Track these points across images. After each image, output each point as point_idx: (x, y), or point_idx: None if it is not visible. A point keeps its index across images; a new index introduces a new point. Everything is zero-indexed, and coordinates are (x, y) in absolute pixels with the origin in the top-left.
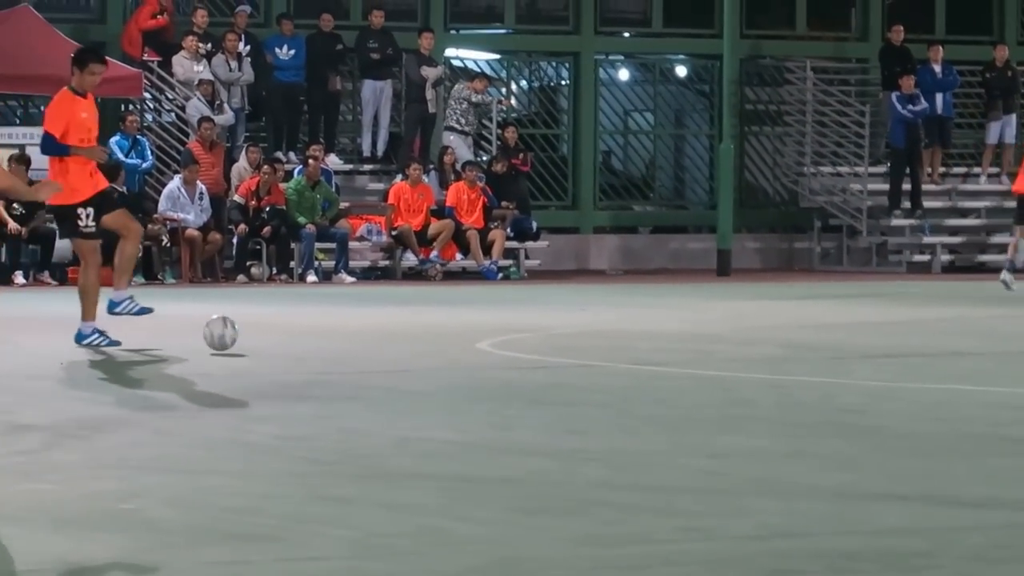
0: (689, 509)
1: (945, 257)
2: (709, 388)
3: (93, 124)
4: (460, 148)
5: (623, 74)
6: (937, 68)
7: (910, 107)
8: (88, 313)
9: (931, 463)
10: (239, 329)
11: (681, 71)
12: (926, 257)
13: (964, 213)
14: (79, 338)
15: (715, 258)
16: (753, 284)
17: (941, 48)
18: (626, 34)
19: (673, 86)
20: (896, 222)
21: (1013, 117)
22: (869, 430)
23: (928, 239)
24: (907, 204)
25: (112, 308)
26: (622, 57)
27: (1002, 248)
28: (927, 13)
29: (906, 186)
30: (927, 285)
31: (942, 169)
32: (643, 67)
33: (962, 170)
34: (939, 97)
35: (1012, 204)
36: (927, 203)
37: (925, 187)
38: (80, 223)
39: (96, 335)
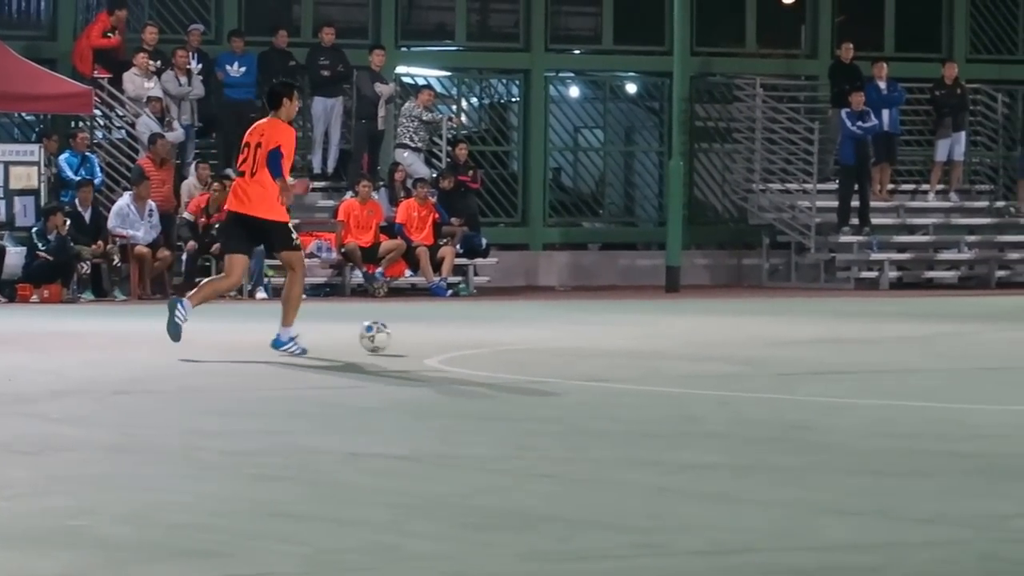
0: (639, 525)
1: (893, 273)
2: (659, 404)
3: None
4: (416, 165)
5: (573, 91)
6: (882, 85)
7: (860, 124)
8: (289, 320)
9: (880, 479)
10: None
11: (631, 88)
12: (874, 273)
13: (912, 230)
14: (277, 344)
15: (664, 275)
16: (702, 300)
17: (886, 65)
18: (576, 51)
19: (623, 103)
20: (844, 239)
21: (962, 135)
22: (818, 446)
23: (876, 256)
24: (855, 221)
25: (277, 346)
26: (572, 74)
27: (950, 264)
28: (876, 31)
29: (855, 203)
30: (876, 302)
31: (891, 186)
32: (593, 84)
33: (911, 187)
34: (885, 114)
35: (961, 221)
36: (875, 220)
37: (874, 204)
38: (293, 237)
39: (292, 343)
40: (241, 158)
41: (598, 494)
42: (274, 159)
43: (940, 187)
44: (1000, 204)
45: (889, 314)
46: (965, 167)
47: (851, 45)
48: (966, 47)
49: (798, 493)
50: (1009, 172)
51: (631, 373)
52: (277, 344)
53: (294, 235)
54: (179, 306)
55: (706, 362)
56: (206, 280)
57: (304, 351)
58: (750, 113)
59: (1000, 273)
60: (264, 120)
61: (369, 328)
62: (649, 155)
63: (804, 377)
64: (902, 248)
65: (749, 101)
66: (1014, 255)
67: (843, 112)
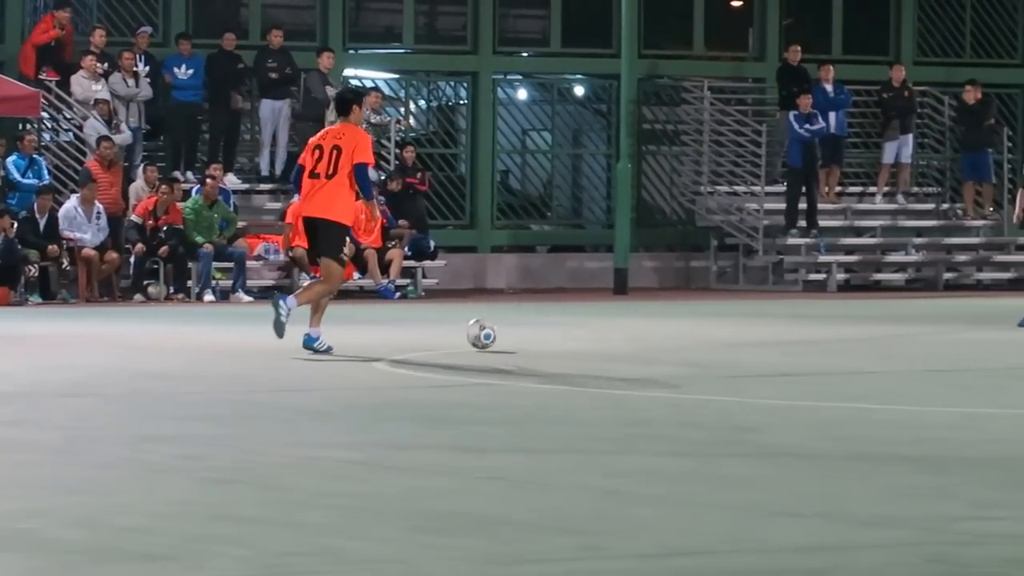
0: (588, 527)
1: (841, 276)
2: (607, 407)
3: None
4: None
5: (521, 94)
6: (829, 87)
7: (807, 126)
8: (317, 321)
9: (829, 481)
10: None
11: (579, 91)
12: (822, 276)
13: (860, 232)
14: (309, 342)
15: (612, 277)
16: (650, 303)
17: (833, 68)
18: (524, 54)
19: (571, 105)
20: (792, 241)
21: (910, 137)
22: (767, 448)
23: (824, 258)
24: (803, 223)
25: (309, 344)
26: (520, 77)
27: (898, 267)
28: (824, 33)
29: (802, 205)
30: (824, 304)
31: (838, 188)
32: (541, 87)
33: (858, 189)
34: (833, 116)
35: (908, 223)
36: (823, 222)
37: (821, 206)
38: (343, 248)
39: (321, 339)
40: (313, 160)
41: (546, 496)
42: (363, 176)
43: (887, 189)
44: (947, 206)
45: (837, 316)
46: (912, 169)
47: (799, 48)
48: (913, 50)
49: (747, 496)
50: (956, 175)
51: (579, 375)
52: (309, 342)
53: (344, 248)
54: (282, 303)
55: (654, 364)
56: (311, 282)
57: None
58: (698, 115)
59: (947, 275)
60: (336, 125)
61: (488, 336)
62: (597, 157)
63: (753, 379)
64: (850, 250)
65: (697, 103)
66: (961, 257)
67: (791, 115)
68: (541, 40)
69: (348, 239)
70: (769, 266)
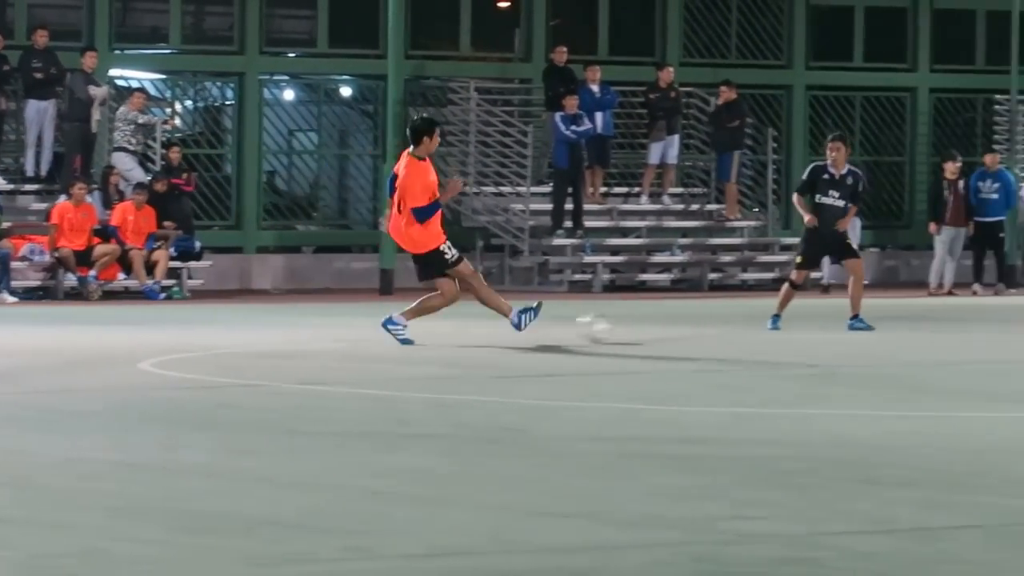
0: (354, 528)
1: (606, 276)
2: (373, 407)
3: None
4: (136, 169)
5: (288, 94)
6: (596, 88)
7: (574, 127)
8: (410, 316)
9: (594, 481)
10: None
11: (346, 91)
12: (587, 276)
13: (625, 233)
14: (388, 323)
15: (378, 277)
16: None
17: (599, 68)
18: (291, 54)
19: (338, 106)
20: (558, 241)
21: (676, 138)
22: (533, 449)
23: (589, 258)
24: (569, 224)
25: (387, 325)
26: (287, 77)
27: (663, 267)
28: (590, 34)
29: (568, 206)
30: (590, 304)
31: (603, 189)
32: (308, 87)
33: (624, 190)
34: (599, 117)
35: (673, 224)
36: (589, 223)
37: (587, 207)
38: (447, 257)
39: (399, 327)
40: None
41: (312, 497)
42: (419, 212)
43: (654, 190)
44: (712, 207)
45: (603, 317)
46: (678, 170)
47: (565, 48)
48: (680, 51)
49: (513, 496)
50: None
51: (345, 376)
52: (388, 323)
53: (448, 256)
54: (390, 326)
55: (420, 365)
56: (429, 297)
57: (408, 341)
58: (464, 116)
59: (712, 276)
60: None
61: (602, 330)
62: (363, 158)
63: (519, 379)
64: (615, 251)
65: (463, 104)
66: (726, 258)
67: (557, 116)
68: (308, 40)
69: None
70: (535, 267)
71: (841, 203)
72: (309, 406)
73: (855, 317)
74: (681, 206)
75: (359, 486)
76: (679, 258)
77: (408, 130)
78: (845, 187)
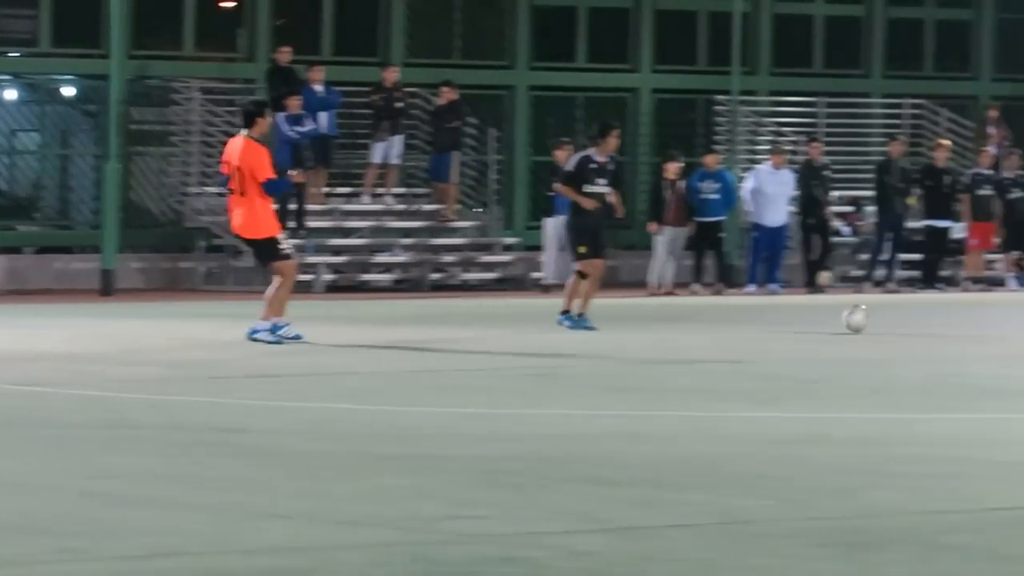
0: (69, 530)
1: (328, 276)
2: (89, 408)
3: None
4: None
5: (10, 94)
6: (320, 88)
7: (297, 128)
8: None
9: (312, 482)
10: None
11: (68, 91)
12: (309, 276)
13: (348, 233)
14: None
15: (99, 278)
16: (137, 304)
17: (323, 68)
18: (14, 54)
19: (60, 106)
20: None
21: (399, 138)
22: (251, 449)
23: (311, 258)
24: (292, 224)
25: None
26: (9, 77)
27: (385, 267)
28: (314, 34)
29: (292, 206)
30: (311, 305)
31: (326, 189)
32: (30, 87)
33: (347, 190)
34: (323, 117)
35: (396, 224)
36: (311, 223)
37: (309, 207)
38: (281, 248)
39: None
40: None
41: (27, 499)
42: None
43: (377, 190)
44: (435, 207)
45: (324, 317)
46: (401, 171)
47: (289, 48)
48: (403, 51)
49: (232, 496)
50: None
51: (62, 377)
52: (254, 333)
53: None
54: (271, 335)
55: (139, 366)
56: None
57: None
58: (187, 116)
59: (434, 276)
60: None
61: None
62: (86, 158)
63: (239, 380)
64: (337, 251)
65: (186, 104)
66: (448, 258)
67: (280, 116)
68: (31, 40)
69: None
70: (257, 267)
71: (607, 189)
72: (26, 407)
73: (580, 316)
74: (403, 206)
75: (75, 487)
76: (401, 258)
77: (241, 114)
78: (609, 173)
